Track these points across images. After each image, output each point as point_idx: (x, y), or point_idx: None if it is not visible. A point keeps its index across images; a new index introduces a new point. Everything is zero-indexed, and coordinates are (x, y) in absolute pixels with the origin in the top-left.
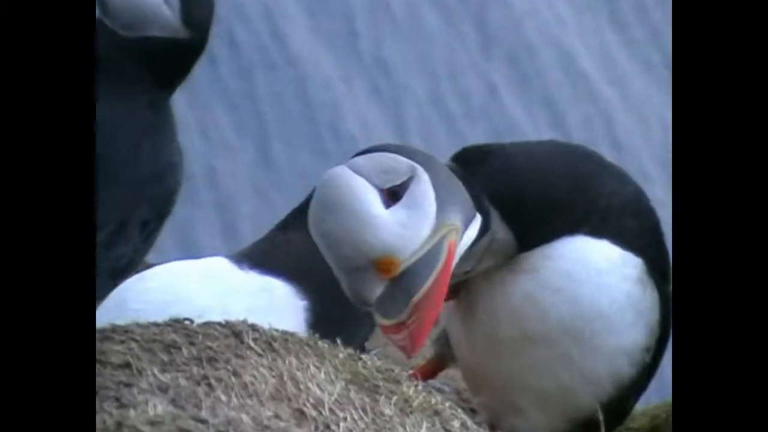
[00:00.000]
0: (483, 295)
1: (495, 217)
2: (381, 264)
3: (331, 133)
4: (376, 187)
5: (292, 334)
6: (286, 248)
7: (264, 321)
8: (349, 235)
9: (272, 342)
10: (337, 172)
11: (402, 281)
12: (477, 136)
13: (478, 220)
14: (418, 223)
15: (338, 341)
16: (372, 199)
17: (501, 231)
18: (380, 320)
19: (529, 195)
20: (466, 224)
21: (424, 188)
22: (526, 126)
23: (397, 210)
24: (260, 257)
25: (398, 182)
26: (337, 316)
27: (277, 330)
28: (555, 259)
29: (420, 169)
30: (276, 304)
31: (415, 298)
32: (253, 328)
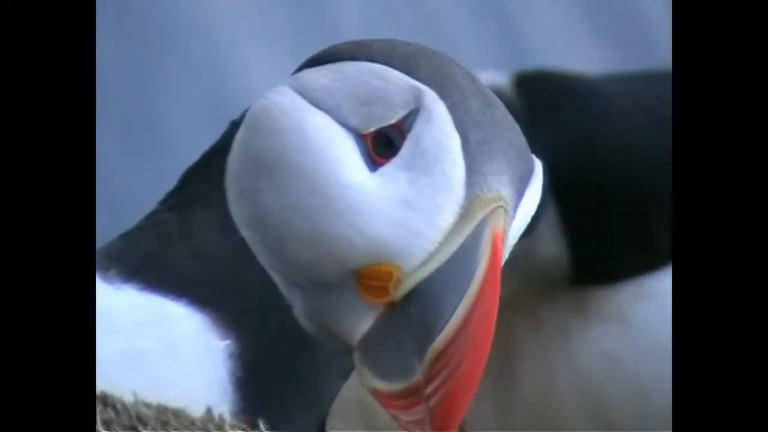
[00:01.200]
0: (528, 354)
1: (547, 216)
2: (368, 277)
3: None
4: (350, 129)
5: (178, 413)
6: (188, 243)
7: (151, 380)
8: (306, 223)
9: (140, 426)
10: (279, 103)
11: (410, 310)
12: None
13: (537, 178)
14: (432, 199)
15: (261, 425)
16: (345, 154)
17: (551, 243)
18: (371, 382)
19: (621, 183)
20: (520, 192)
21: (439, 130)
22: None
23: (393, 174)
24: (141, 261)
25: (392, 120)
26: (284, 364)
27: (148, 404)
28: (658, 300)
29: (430, 94)
30: (177, 348)
31: (437, 344)
32: (105, 399)
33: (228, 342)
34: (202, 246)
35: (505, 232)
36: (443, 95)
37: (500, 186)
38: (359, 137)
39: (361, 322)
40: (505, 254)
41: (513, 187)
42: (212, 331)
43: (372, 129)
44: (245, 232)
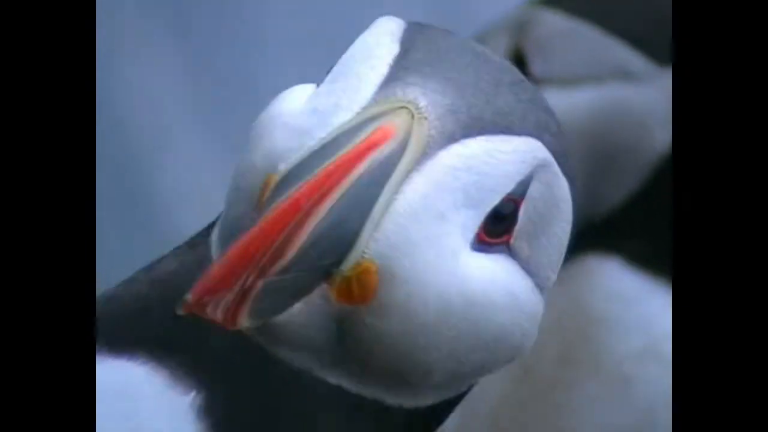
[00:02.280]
0: (508, 405)
1: None
2: (265, 182)
3: None
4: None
5: None
6: (149, 275)
7: None
8: (250, 145)
9: None
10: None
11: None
12: None
13: (534, 148)
14: (335, 100)
15: None
16: (299, 91)
17: None
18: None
19: None
20: (468, 128)
21: (373, 38)
22: None
23: (325, 83)
24: (110, 319)
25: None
26: (267, 411)
27: None
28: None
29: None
30: (143, 420)
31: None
32: None
33: (193, 395)
34: (161, 271)
35: (409, 137)
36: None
37: (421, 96)
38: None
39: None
40: (405, 171)
41: (451, 114)
42: (174, 387)
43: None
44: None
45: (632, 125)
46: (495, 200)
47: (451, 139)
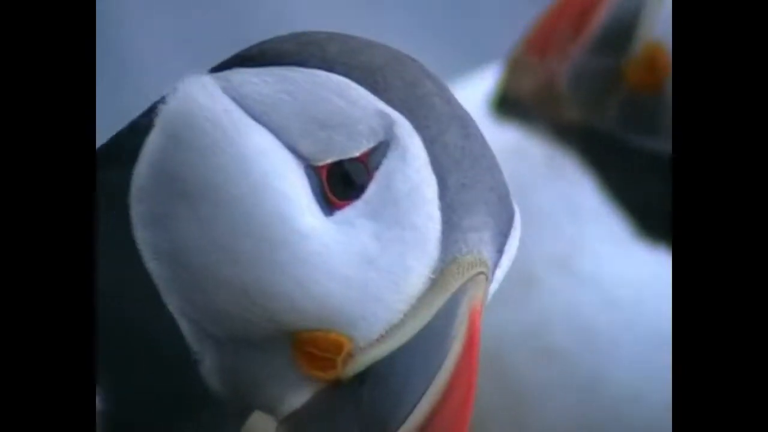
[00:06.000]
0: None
1: None
2: (310, 345)
3: None
4: (300, 156)
5: None
6: None
7: None
8: (237, 270)
9: None
10: (208, 111)
11: (362, 394)
12: None
13: (517, 229)
14: (400, 259)
15: None
16: (293, 189)
17: None
18: None
19: None
20: (501, 249)
21: (416, 174)
22: None
23: (354, 222)
24: None
25: (355, 152)
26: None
27: None
28: None
29: (404, 125)
30: None
31: None
32: None
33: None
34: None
35: (483, 305)
36: (418, 126)
37: (482, 245)
38: (311, 169)
39: (293, 395)
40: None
41: (494, 245)
42: None
43: (328, 161)
44: (151, 265)
45: None
46: None
47: (495, 270)
